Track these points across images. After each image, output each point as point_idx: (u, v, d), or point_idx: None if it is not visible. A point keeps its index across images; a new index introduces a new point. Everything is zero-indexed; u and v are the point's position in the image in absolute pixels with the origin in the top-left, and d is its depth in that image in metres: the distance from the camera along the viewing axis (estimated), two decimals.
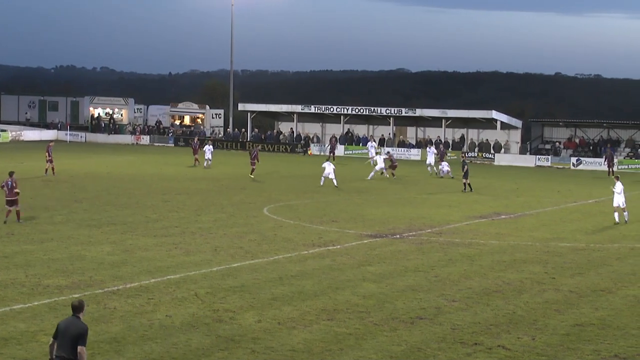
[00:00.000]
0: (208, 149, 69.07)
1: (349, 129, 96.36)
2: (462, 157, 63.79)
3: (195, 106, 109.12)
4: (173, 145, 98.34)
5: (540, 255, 31.93)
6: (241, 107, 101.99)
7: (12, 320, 20.71)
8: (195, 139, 76.54)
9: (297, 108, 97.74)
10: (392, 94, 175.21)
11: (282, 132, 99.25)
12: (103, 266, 27.62)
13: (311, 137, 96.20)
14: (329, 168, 56.16)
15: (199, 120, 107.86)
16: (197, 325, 20.70)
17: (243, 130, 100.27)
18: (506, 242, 35.00)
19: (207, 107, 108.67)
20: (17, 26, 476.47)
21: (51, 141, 65.94)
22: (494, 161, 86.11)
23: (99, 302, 22.78)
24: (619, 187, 41.17)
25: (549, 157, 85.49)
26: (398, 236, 35.72)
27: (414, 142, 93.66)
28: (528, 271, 28.68)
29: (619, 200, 41.16)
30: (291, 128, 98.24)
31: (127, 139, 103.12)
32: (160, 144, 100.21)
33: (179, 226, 36.77)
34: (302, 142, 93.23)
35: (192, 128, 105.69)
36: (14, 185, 36.44)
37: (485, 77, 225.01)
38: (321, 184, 55.86)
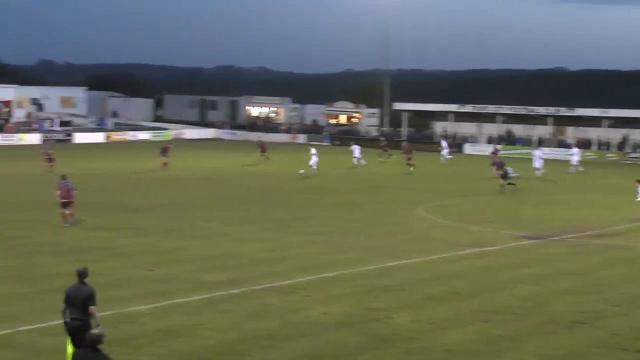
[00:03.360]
0: (355, 147, 69.44)
1: (509, 129, 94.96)
2: (494, 156, 59.65)
3: (351, 105, 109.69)
4: (329, 144, 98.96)
5: None
6: (397, 106, 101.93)
7: (173, 314, 21.25)
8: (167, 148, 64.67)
9: (453, 107, 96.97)
10: (550, 93, 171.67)
11: (439, 132, 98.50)
12: (258, 263, 28.03)
13: (466, 137, 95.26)
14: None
15: (354, 119, 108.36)
16: (352, 324, 20.73)
17: (399, 129, 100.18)
18: None
19: (363, 106, 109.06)
20: (180, 27, 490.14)
21: (54, 140, 66.75)
22: None
23: (255, 298, 23.11)
24: None
25: None
26: (555, 238, 34.91)
27: (573, 142, 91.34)
28: None
29: None
30: (444, 127, 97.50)
31: (283, 137, 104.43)
32: (315, 143, 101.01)
33: (331, 224, 36.98)
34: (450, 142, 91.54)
35: (348, 127, 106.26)
36: (72, 187, 34.81)
37: None
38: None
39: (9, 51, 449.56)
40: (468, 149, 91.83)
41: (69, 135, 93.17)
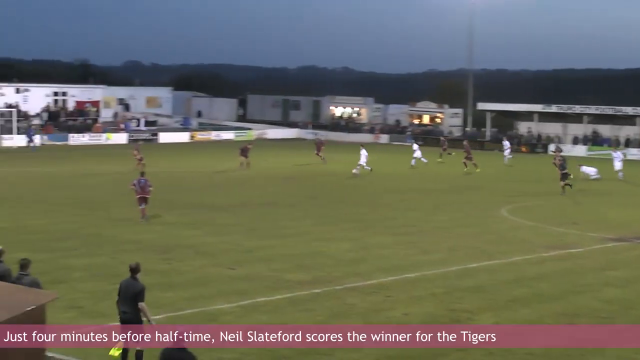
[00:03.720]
0: (416, 146, 69.20)
1: (595, 130, 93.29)
2: (559, 156, 57.29)
3: (434, 105, 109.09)
4: (411, 144, 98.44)
5: None
6: (480, 106, 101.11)
7: (255, 313, 21.43)
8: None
9: (538, 107, 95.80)
10: (639, 93, 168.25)
11: (524, 132, 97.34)
12: (341, 263, 28.09)
13: (551, 137, 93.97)
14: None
15: (437, 119, 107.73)
16: (434, 325, 20.64)
17: (483, 129, 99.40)
18: None
19: (446, 106, 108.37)
20: (265, 28, 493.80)
21: (142, 141, 67.32)
22: None
23: (338, 298, 23.18)
24: None
25: None
26: None
27: None
28: None
29: None
30: (529, 127, 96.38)
31: (365, 137, 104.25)
32: (398, 143, 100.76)
33: (415, 225, 36.87)
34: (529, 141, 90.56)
35: (431, 127, 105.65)
36: (149, 184, 35.94)
37: None
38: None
39: (97, 52, 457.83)
40: (553, 149, 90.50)
41: (155, 134, 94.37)
